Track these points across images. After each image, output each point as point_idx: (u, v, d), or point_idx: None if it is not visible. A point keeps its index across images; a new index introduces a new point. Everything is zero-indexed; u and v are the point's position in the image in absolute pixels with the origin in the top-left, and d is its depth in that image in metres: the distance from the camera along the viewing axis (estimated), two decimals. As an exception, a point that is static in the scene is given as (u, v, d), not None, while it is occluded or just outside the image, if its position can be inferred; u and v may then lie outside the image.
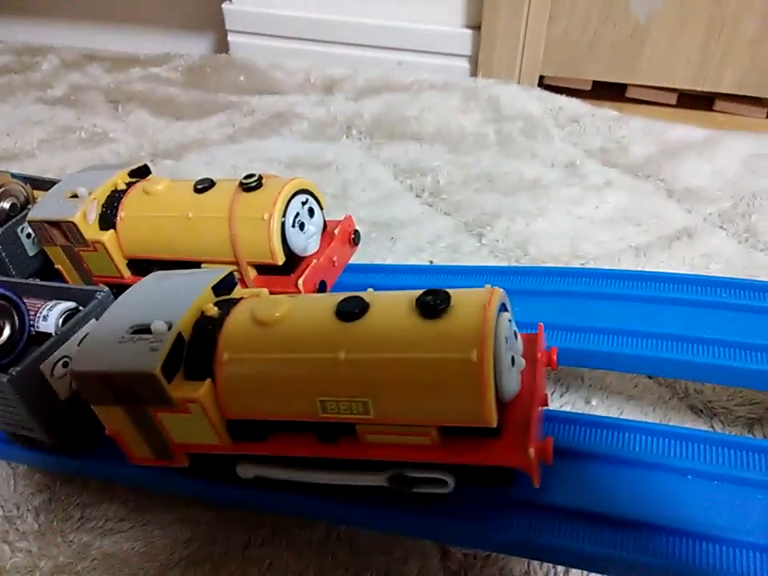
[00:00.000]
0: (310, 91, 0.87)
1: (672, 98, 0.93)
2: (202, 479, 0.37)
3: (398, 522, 0.35)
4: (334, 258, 0.44)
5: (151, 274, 0.37)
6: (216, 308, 0.33)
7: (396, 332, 0.29)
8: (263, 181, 0.43)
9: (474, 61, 0.89)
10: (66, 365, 0.37)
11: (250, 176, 0.43)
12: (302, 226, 0.43)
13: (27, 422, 0.37)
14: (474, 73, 0.89)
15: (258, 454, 0.33)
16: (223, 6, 0.97)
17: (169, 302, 0.33)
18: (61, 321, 0.39)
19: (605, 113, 0.83)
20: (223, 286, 0.35)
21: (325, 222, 0.45)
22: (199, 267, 0.44)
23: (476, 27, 0.87)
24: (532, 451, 0.28)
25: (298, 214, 0.42)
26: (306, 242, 0.43)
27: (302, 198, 0.43)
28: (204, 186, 0.44)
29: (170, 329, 0.31)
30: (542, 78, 0.93)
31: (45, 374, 0.37)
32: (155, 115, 0.90)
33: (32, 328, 0.39)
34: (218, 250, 0.43)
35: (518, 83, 0.88)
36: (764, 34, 0.79)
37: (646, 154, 0.75)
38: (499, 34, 0.85)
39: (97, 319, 0.39)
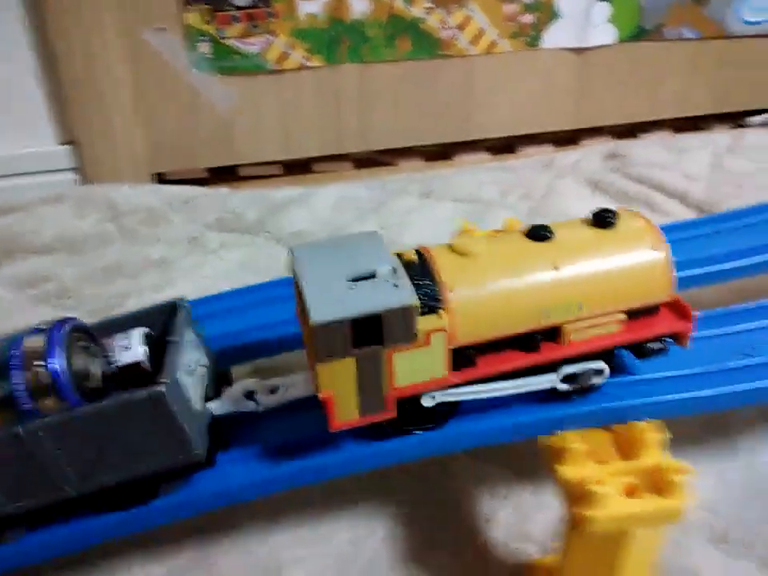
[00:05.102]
0: None
1: (278, 170, 1.09)
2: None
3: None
4: None
5: (296, 251, 0.36)
6: (414, 253, 0.36)
7: (588, 242, 0.37)
8: None
9: (82, 172, 0.93)
10: (191, 374, 0.37)
11: None
12: None
13: (173, 440, 0.35)
14: (85, 182, 0.93)
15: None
16: None
17: (364, 257, 0.34)
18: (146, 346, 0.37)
19: (217, 191, 0.93)
20: None
21: None
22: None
23: (73, 142, 0.91)
24: (695, 313, 0.37)
25: None
26: None
27: None
28: None
29: (394, 272, 0.33)
30: (161, 174, 1.00)
31: (182, 383, 0.35)
32: None
33: (111, 366, 0.37)
34: None
35: (133, 183, 0.94)
36: (324, 108, 0.99)
37: (257, 216, 0.86)
38: (97, 146, 0.91)
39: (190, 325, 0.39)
